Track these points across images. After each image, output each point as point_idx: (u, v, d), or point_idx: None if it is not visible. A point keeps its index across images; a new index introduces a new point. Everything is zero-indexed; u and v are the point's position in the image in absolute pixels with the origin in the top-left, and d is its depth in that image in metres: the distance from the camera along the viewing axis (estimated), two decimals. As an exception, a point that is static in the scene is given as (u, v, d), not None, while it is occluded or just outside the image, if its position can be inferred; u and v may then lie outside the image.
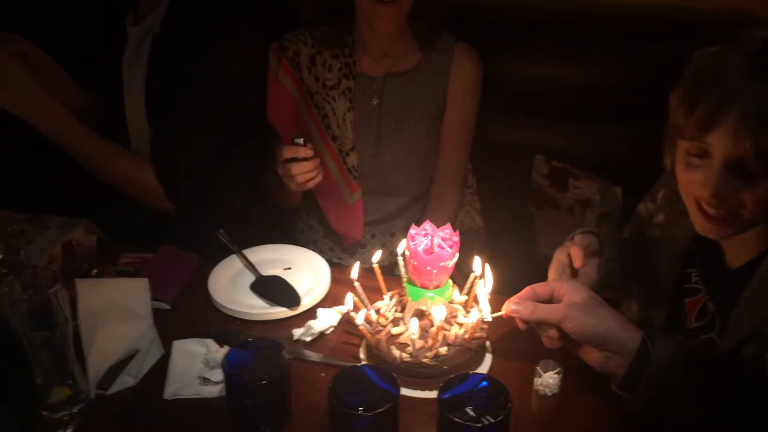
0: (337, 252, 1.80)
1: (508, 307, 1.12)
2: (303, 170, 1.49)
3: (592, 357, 1.07)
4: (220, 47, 1.58)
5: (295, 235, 1.84)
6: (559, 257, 1.29)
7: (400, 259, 1.28)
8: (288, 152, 1.48)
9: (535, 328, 1.12)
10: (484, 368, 1.21)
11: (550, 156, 2.00)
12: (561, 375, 1.15)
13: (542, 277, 2.08)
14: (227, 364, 1.09)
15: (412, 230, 1.20)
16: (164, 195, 1.64)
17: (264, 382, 1.05)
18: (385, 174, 1.71)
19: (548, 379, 1.15)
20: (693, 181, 1.05)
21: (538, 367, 1.16)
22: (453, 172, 1.80)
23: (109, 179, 1.63)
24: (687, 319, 1.21)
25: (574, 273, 1.26)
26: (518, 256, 2.04)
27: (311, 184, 1.52)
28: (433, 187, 1.80)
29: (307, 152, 1.46)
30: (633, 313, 1.31)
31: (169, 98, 1.61)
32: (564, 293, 1.10)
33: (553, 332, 1.10)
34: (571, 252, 1.25)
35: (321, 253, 1.55)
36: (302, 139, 1.48)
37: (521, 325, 1.13)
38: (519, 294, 1.14)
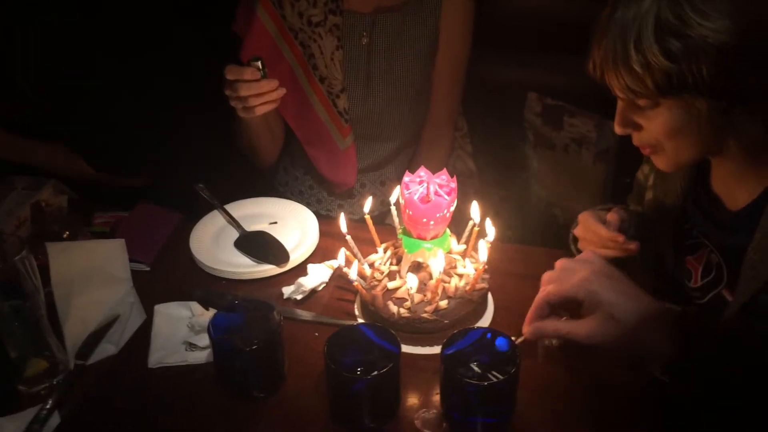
0: (325, 204, 1.71)
1: (530, 330, 0.99)
2: (252, 91, 1.30)
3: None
4: None
5: (279, 188, 1.75)
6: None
7: (393, 208, 1.20)
8: (232, 74, 1.31)
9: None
10: (486, 320, 1.15)
11: (542, 93, 1.91)
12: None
13: (536, 219, 2.06)
14: (214, 329, 1.01)
15: (406, 178, 1.12)
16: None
17: (254, 347, 0.98)
18: (376, 117, 1.61)
19: None
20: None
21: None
22: (445, 115, 1.71)
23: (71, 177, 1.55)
24: (692, 279, 1.15)
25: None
26: (513, 199, 1.98)
27: (261, 110, 1.35)
28: (424, 131, 1.71)
29: (253, 74, 1.29)
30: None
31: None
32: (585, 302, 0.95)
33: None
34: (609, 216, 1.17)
35: (308, 205, 1.47)
36: (259, 63, 1.30)
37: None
38: (533, 314, 0.99)
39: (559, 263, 0.99)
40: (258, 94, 1.31)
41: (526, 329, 0.98)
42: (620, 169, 1.93)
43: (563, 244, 1.81)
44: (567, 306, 0.98)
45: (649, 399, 1.01)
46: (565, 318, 0.98)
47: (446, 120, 1.72)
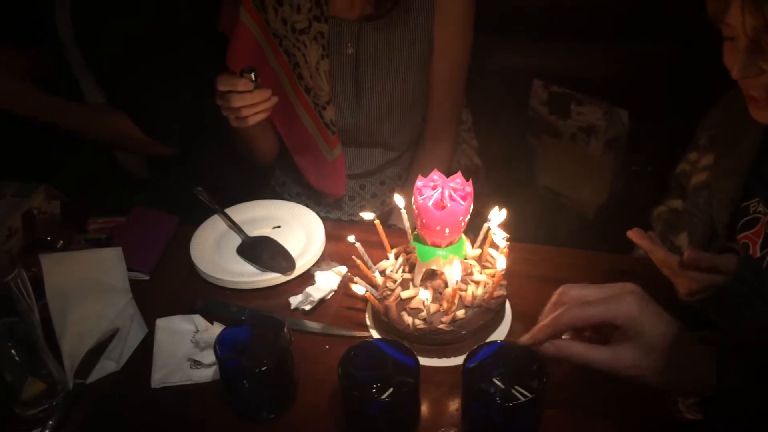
0: (324, 206, 1.64)
1: (551, 350, 0.89)
2: (245, 102, 1.28)
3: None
4: None
5: (277, 188, 1.67)
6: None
7: (403, 212, 1.14)
8: (224, 84, 1.28)
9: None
10: (504, 328, 1.10)
11: (548, 80, 1.85)
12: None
13: (543, 212, 2.01)
14: (220, 348, 0.96)
15: (419, 182, 1.06)
16: (154, 142, 1.55)
17: (264, 369, 0.92)
18: (367, 128, 1.53)
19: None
20: (729, 66, 1.01)
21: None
22: (447, 114, 1.63)
23: (99, 140, 1.58)
24: (749, 251, 1.10)
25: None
26: (521, 192, 1.93)
27: (253, 120, 1.32)
28: (425, 129, 1.63)
29: (245, 85, 1.26)
30: None
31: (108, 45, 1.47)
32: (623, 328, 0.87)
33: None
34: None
35: (307, 206, 1.40)
36: (252, 74, 1.27)
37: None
38: (547, 332, 0.89)
39: (584, 287, 0.90)
40: (250, 105, 1.28)
41: (534, 338, 0.89)
42: (629, 158, 1.88)
43: (573, 238, 1.78)
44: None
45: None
46: (586, 335, 0.91)
47: (448, 117, 1.64)
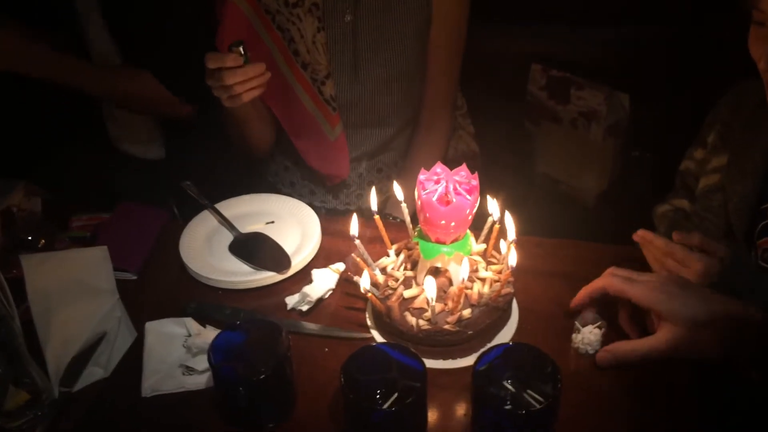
0: (319, 195, 1.58)
1: (605, 357, 0.97)
2: (237, 78, 1.20)
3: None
4: None
5: (269, 178, 1.61)
6: None
7: (403, 206, 1.09)
8: (213, 62, 1.20)
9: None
10: (511, 327, 1.05)
11: (547, 64, 1.79)
12: (603, 329, 0.99)
13: (542, 201, 1.96)
14: (214, 355, 0.90)
15: (422, 176, 1.00)
16: (176, 101, 1.54)
17: (262, 377, 0.87)
18: (366, 103, 1.47)
19: (589, 335, 0.99)
20: (758, 55, 0.97)
21: (576, 322, 1.00)
22: (443, 95, 1.57)
23: (114, 99, 1.58)
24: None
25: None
26: (519, 179, 1.88)
27: (248, 97, 1.24)
28: (421, 112, 1.58)
29: (235, 60, 1.19)
30: None
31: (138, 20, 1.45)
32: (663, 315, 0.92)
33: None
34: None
35: (300, 197, 1.35)
36: (241, 48, 1.19)
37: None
38: (586, 292, 1.02)
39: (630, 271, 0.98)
40: (243, 81, 1.20)
41: (575, 302, 1.01)
42: (629, 143, 1.84)
43: (573, 226, 1.73)
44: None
45: (711, 412, 0.92)
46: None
47: (444, 100, 1.59)
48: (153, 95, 1.52)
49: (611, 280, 0.97)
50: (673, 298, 0.90)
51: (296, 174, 1.57)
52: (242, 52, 1.19)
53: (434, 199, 0.96)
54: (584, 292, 1.01)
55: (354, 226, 1.03)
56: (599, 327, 0.99)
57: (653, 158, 1.83)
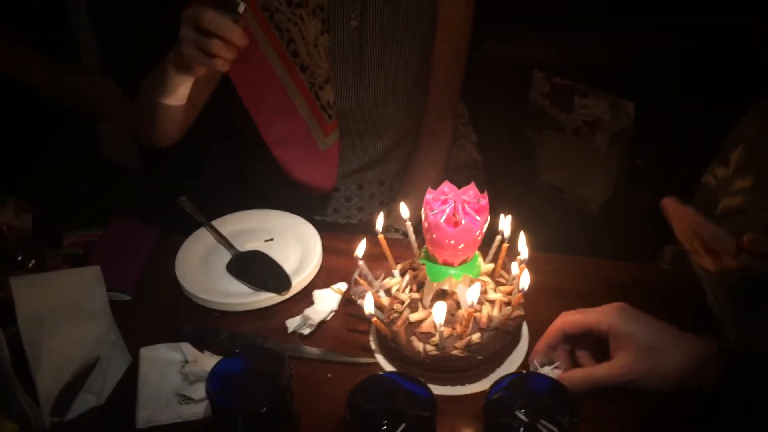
0: (318, 209, 1.53)
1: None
2: (224, 31, 0.96)
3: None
4: None
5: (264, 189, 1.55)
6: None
7: (408, 224, 1.05)
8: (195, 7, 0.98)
9: None
10: (521, 351, 1.01)
11: (550, 72, 1.75)
12: (561, 369, 0.93)
13: (544, 209, 1.93)
14: (212, 384, 0.86)
15: (429, 195, 0.96)
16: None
17: (263, 410, 0.83)
18: (369, 111, 1.42)
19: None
20: None
21: (531, 366, 0.95)
22: (445, 103, 1.53)
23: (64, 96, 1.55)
24: None
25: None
26: (522, 188, 1.85)
27: (223, 67, 1.01)
28: (423, 121, 1.54)
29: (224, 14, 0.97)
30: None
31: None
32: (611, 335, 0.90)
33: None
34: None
35: (299, 212, 1.28)
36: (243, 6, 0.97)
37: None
38: (544, 340, 0.96)
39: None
40: (228, 43, 0.98)
41: (534, 356, 0.95)
42: (633, 151, 1.80)
43: (576, 237, 1.69)
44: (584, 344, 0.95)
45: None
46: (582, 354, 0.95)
47: (447, 108, 1.55)
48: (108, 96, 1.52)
49: (565, 316, 0.95)
50: (630, 321, 0.89)
51: (281, 188, 1.48)
52: (240, 11, 0.97)
53: (442, 220, 0.92)
54: (542, 342, 0.95)
55: (361, 249, 0.99)
56: (557, 368, 0.93)
57: (658, 167, 1.79)
